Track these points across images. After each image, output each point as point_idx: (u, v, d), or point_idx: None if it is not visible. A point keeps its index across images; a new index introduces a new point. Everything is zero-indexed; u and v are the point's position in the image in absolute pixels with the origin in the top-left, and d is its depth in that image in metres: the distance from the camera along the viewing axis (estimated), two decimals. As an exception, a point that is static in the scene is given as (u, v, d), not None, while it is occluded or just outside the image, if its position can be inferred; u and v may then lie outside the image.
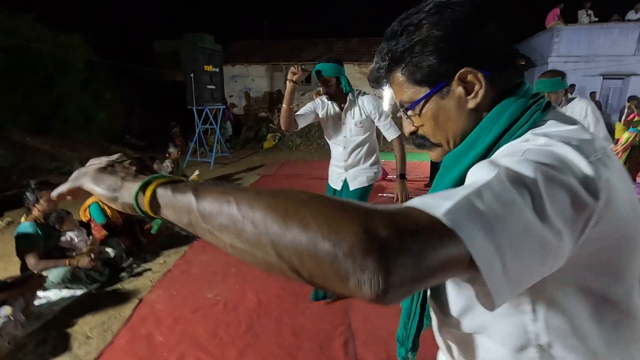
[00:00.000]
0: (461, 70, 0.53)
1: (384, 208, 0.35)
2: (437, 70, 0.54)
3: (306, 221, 0.33)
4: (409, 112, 0.61)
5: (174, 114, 10.02)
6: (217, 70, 7.75)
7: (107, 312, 2.37)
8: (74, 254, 2.66)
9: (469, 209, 0.34)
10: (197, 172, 5.45)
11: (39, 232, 2.54)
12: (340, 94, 2.17)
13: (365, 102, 2.18)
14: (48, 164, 6.43)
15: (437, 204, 0.35)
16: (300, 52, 13.09)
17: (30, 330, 2.16)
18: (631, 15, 11.31)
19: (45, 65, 7.58)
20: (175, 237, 3.68)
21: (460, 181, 0.53)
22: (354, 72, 12.52)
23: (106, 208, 3.19)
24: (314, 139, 10.72)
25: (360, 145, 2.26)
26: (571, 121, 0.52)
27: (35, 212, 2.58)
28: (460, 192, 0.36)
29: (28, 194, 2.56)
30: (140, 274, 2.89)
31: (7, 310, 2.04)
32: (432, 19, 0.53)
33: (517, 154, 0.43)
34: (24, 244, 2.50)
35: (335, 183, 2.40)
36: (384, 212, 0.34)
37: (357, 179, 2.31)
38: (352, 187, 2.32)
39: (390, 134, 2.22)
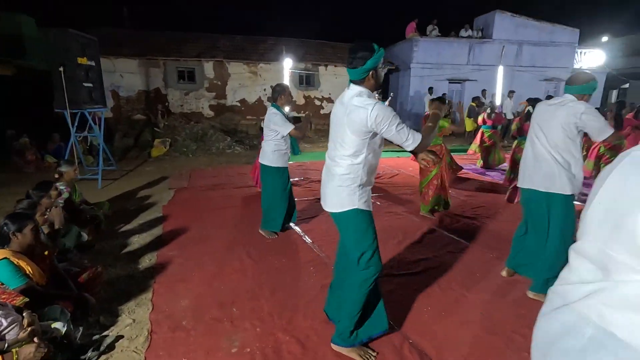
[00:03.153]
0: None
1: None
2: None
3: None
4: None
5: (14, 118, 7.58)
6: (94, 64, 6.22)
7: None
8: (6, 345, 1.72)
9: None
10: (107, 206, 4.31)
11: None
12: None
13: None
14: None
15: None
16: (180, 47, 11.71)
17: None
18: (463, 32, 14.27)
19: None
20: (117, 282, 2.82)
21: None
22: (243, 72, 11.98)
23: (22, 264, 2.18)
24: (211, 143, 9.82)
25: None
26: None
27: None
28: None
29: None
30: (111, 347, 2.09)
31: None
32: None
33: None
34: None
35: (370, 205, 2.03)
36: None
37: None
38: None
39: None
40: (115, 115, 10.90)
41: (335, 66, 12.86)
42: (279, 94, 3.71)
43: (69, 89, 5.52)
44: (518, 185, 2.78)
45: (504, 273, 2.99)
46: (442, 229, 4.07)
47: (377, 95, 6.75)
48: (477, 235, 3.90)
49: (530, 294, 2.66)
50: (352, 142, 1.85)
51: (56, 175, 3.84)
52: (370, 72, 1.83)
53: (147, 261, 3.26)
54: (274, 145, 3.66)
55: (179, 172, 7.23)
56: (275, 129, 3.60)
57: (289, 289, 2.79)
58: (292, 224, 4.11)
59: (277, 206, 3.80)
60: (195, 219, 4.34)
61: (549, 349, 0.79)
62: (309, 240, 3.75)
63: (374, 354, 2.04)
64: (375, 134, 1.84)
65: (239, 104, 12.16)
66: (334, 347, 2.08)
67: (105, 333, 2.23)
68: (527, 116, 4.98)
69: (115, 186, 6.04)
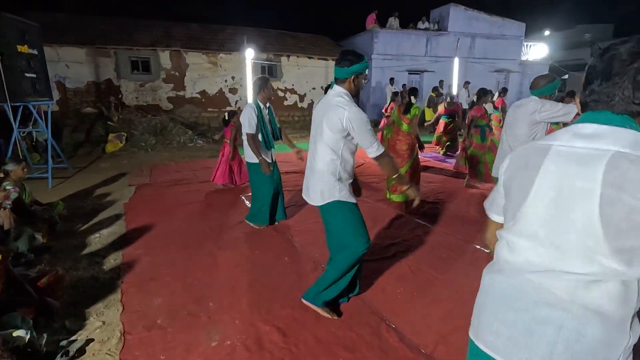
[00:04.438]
0: None
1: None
2: None
3: None
4: None
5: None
6: (36, 52, 5.70)
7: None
8: (-38, 358, 1.58)
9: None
10: (61, 206, 4.03)
11: None
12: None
13: None
14: None
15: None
16: (132, 35, 11.02)
17: None
18: (420, 24, 14.69)
19: None
20: (81, 285, 2.68)
21: None
22: (201, 62, 11.54)
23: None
24: (172, 137, 9.42)
25: None
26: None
27: None
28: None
29: None
30: (81, 351, 1.99)
31: None
32: None
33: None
34: None
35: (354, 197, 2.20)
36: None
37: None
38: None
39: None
40: (62, 109, 10.10)
41: (298, 57, 12.76)
42: (260, 88, 3.46)
43: (9, 80, 5.04)
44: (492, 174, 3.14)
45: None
46: (408, 214, 4.24)
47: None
48: (441, 219, 4.11)
49: None
50: (330, 139, 1.99)
51: (1, 175, 3.53)
52: (353, 76, 1.99)
53: (111, 261, 3.11)
54: None
55: (139, 167, 6.89)
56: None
57: (264, 279, 2.79)
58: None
59: (261, 200, 3.70)
60: (161, 216, 4.18)
61: (501, 306, 0.93)
62: (282, 230, 3.76)
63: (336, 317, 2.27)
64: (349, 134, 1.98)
65: (199, 96, 11.72)
66: (304, 301, 2.29)
67: (73, 338, 2.11)
68: (471, 106, 5.43)
69: (68, 185, 5.64)
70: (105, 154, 8.28)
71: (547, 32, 22.36)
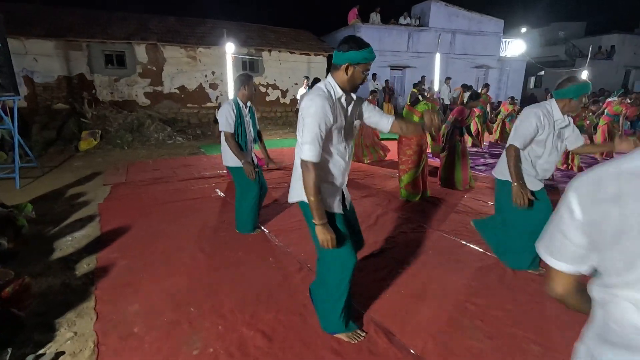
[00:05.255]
0: None
1: None
2: None
3: None
4: None
5: None
6: (0, 45, 5.35)
7: None
8: None
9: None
10: (29, 207, 3.77)
11: None
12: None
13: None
14: None
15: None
16: (106, 28, 10.55)
17: None
18: (402, 20, 14.73)
19: None
20: (51, 293, 2.51)
21: None
22: (180, 56, 11.19)
23: None
24: (149, 134, 9.11)
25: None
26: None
27: None
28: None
29: None
30: (51, 365, 1.85)
31: None
32: None
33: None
34: None
35: (338, 206, 1.91)
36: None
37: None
38: (348, 206, 2.05)
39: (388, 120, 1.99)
40: (31, 105, 9.59)
41: (280, 52, 12.57)
42: (241, 84, 3.19)
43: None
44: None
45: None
46: (393, 211, 4.22)
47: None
48: (425, 216, 4.11)
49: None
50: (300, 133, 1.76)
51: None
52: (347, 64, 1.69)
53: (84, 266, 2.94)
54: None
55: (114, 166, 6.61)
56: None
57: (248, 282, 2.69)
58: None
59: (243, 207, 3.44)
60: (138, 217, 4.01)
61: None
62: (265, 230, 3.66)
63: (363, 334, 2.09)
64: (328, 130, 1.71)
65: (177, 91, 11.38)
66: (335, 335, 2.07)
67: (41, 351, 1.96)
68: (453, 101, 5.11)
69: (37, 185, 5.35)
70: (78, 152, 7.92)
71: (523, 29, 22.89)
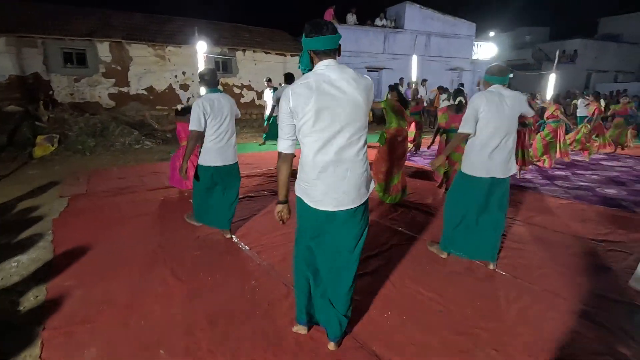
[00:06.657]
0: None
1: None
2: None
3: None
4: None
5: None
6: None
7: None
8: None
9: None
10: None
11: None
12: None
13: None
14: None
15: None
16: (64, 24, 9.75)
17: None
18: (378, 21, 14.68)
19: None
20: None
21: None
22: (147, 55, 10.55)
23: None
24: (114, 138, 8.46)
25: None
26: None
27: None
28: None
29: None
30: None
31: None
32: None
33: None
34: None
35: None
36: None
37: None
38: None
39: None
40: (-22, 107, 8.68)
41: (255, 51, 12.15)
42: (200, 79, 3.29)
43: None
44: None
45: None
46: (382, 220, 3.98)
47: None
48: (416, 224, 3.89)
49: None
50: None
51: None
52: (308, 51, 1.67)
53: (31, 299, 2.48)
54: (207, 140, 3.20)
55: (74, 174, 6.00)
56: None
57: (228, 313, 2.34)
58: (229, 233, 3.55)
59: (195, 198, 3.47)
60: (99, 234, 3.54)
61: None
62: (245, 247, 3.31)
63: None
64: (301, 123, 1.62)
65: (145, 92, 10.71)
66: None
67: None
68: (459, 107, 4.69)
69: (-19, 198, 4.71)
70: (32, 159, 7.19)
71: (492, 33, 23.59)
